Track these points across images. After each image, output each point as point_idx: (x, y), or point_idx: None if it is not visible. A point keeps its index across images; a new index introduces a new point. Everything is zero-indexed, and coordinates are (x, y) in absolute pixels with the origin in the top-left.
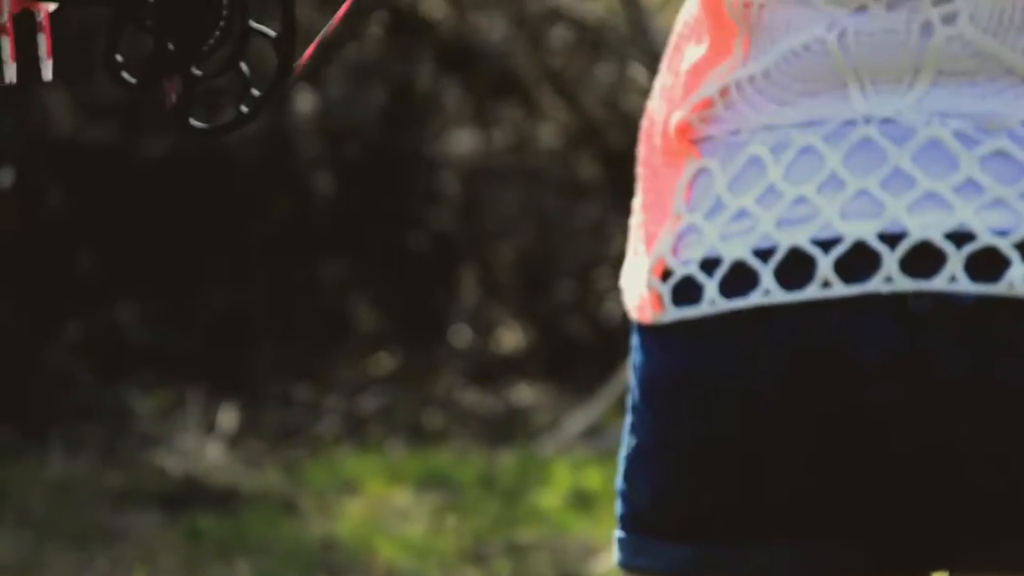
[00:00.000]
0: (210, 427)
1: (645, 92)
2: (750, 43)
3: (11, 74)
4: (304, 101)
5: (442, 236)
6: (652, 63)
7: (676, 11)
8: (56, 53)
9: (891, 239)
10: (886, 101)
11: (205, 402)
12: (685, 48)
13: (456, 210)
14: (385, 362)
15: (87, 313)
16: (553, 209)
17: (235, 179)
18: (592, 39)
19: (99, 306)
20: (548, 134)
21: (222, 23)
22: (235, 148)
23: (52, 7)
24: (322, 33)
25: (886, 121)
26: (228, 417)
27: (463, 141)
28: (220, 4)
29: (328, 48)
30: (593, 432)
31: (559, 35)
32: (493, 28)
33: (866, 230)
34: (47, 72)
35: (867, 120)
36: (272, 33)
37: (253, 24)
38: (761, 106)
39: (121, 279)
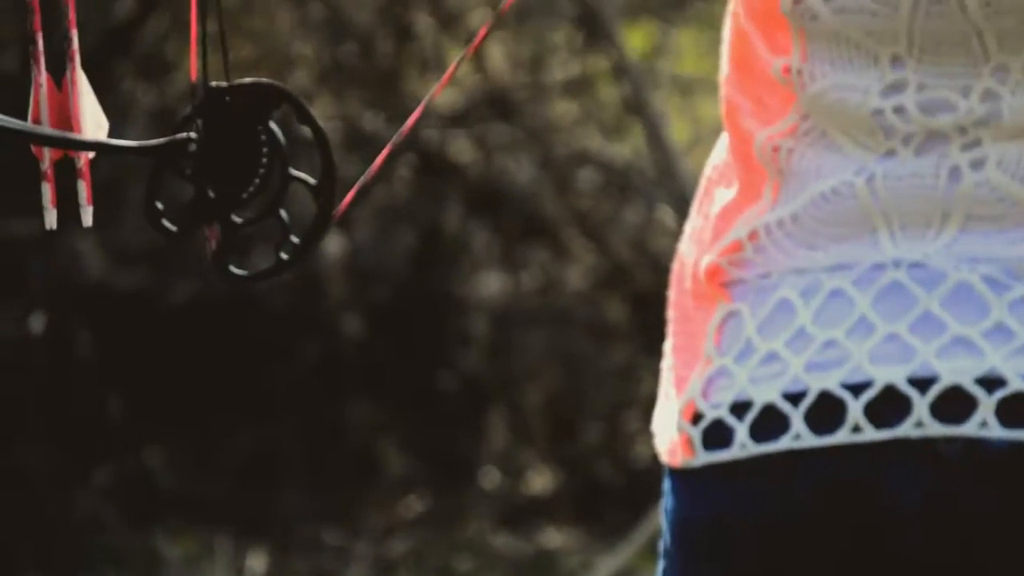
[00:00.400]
0: (239, 572)
1: (673, 234)
2: (780, 187)
3: (52, 220)
4: (332, 243)
5: (471, 378)
6: (680, 205)
7: (703, 154)
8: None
9: (921, 383)
10: (915, 245)
11: (234, 547)
12: (715, 192)
13: (484, 352)
14: (414, 505)
15: (116, 458)
16: (582, 351)
17: (263, 322)
18: (619, 182)
19: (128, 451)
20: (576, 276)
21: (262, 171)
22: (263, 291)
23: (92, 154)
24: (361, 181)
25: (915, 265)
26: (257, 562)
27: (491, 283)
28: (260, 152)
29: (358, 191)
30: None
31: (586, 177)
32: (520, 171)
33: (896, 374)
34: (87, 218)
35: (896, 264)
36: (312, 181)
37: (293, 172)
38: (791, 250)
39: (150, 423)
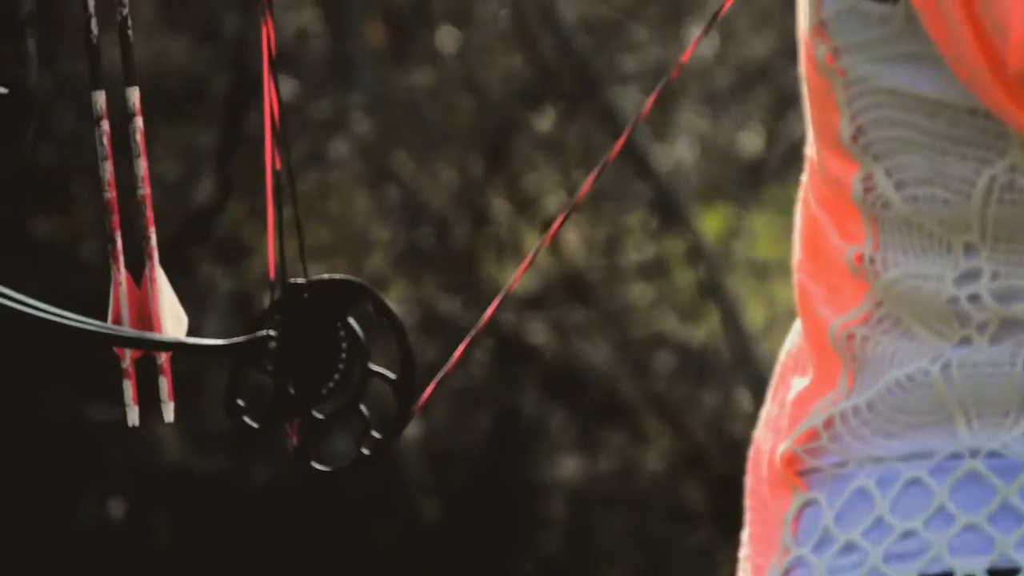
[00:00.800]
0: None
1: (750, 417)
2: (854, 375)
3: (134, 417)
4: (410, 427)
5: (549, 561)
6: (756, 388)
7: (779, 337)
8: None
9: (1001, 575)
10: (992, 434)
11: None
12: (790, 379)
13: (563, 535)
14: None
15: None
16: (660, 534)
17: (341, 505)
18: (696, 364)
19: None
20: (653, 459)
21: (341, 366)
22: (341, 474)
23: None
24: (440, 374)
25: (992, 455)
26: None
27: (568, 466)
28: (339, 347)
29: (434, 373)
30: None
31: (663, 360)
32: (597, 353)
33: (976, 565)
34: (168, 414)
35: (974, 453)
36: (392, 376)
37: (373, 366)
38: (867, 438)
39: None
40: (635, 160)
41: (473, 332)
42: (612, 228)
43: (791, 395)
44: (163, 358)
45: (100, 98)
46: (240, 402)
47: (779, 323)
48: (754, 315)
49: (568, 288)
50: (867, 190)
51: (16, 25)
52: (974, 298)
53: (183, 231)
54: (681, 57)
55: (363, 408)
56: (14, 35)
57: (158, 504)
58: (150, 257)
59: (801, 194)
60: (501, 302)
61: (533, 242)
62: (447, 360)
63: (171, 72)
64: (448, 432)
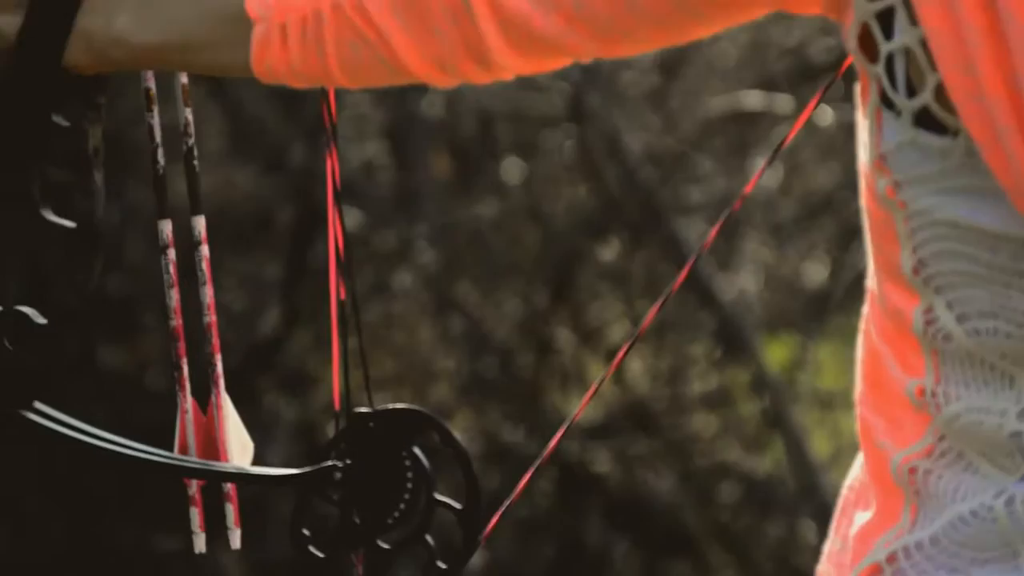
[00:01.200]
0: None
1: (815, 549)
2: (917, 509)
3: (201, 544)
4: (474, 556)
5: None
6: (822, 519)
7: (845, 468)
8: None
9: None
10: None
11: None
12: (853, 513)
13: None
14: None
15: None
16: None
17: None
18: (761, 495)
19: None
20: None
21: (407, 496)
22: None
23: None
24: (506, 504)
25: None
26: None
27: None
28: (405, 476)
29: (498, 502)
30: None
31: (727, 490)
32: (661, 483)
33: None
34: (235, 540)
35: None
36: (457, 506)
37: (438, 496)
38: (930, 573)
39: None
40: (699, 290)
41: (538, 462)
42: (676, 358)
43: (854, 529)
44: (229, 485)
45: (166, 227)
46: (306, 531)
47: (844, 454)
48: (819, 446)
49: (632, 418)
50: (928, 323)
51: (83, 160)
52: None
53: (248, 361)
54: (745, 188)
55: (428, 538)
56: (81, 169)
57: None
58: (216, 384)
59: (862, 326)
60: (565, 431)
61: (597, 371)
62: (511, 489)
63: (237, 202)
64: (512, 562)
